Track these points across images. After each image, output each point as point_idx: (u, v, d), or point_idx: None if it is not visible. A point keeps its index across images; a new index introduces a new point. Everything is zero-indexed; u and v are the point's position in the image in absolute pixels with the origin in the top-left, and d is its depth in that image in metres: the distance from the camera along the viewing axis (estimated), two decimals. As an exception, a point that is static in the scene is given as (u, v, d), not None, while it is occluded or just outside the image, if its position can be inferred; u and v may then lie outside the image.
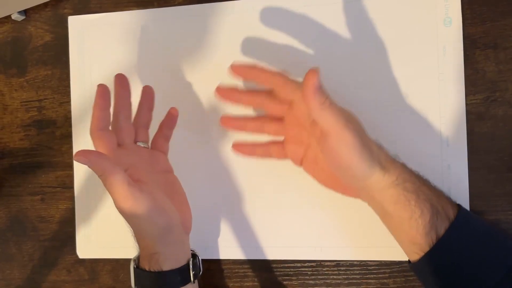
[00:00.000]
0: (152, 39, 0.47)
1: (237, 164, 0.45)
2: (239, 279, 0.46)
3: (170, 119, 0.43)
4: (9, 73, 0.51)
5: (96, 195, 0.48)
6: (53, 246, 0.49)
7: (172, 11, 0.47)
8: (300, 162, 0.41)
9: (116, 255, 0.48)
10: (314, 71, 0.33)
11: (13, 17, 0.49)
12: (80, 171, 0.48)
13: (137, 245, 0.39)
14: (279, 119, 0.41)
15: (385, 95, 0.42)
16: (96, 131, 0.37)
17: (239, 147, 0.44)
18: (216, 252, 0.45)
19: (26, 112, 0.50)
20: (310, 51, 0.44)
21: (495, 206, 0.41)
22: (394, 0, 0.42)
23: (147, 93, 0.43)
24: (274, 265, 0.45)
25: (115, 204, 0.35)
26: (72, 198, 0.49)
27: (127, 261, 0.41)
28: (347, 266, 0.44)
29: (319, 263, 0.44)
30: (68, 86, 0.49)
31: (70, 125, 0.49)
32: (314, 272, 0.44)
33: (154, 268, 0.38)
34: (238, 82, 0.43)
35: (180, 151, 0.45)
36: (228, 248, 0.45)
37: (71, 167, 0.49)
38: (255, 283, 0.45)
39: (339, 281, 0.44)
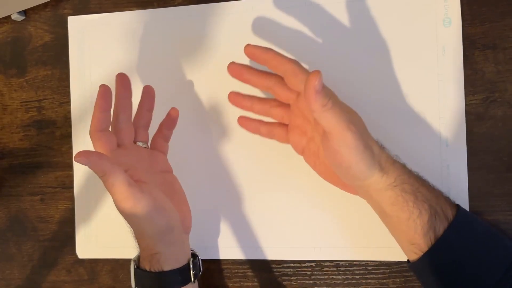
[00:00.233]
0: (152, 39, 0.47)
1: (237, 164, 0.45)
2: (238, 279, 0.46)
3: (170, 120, 0.43)
4: (8, 73, 0.51)
5: (95, 196, 0.48)
6: (52, 246, 0.49)
7: (172, 11, 0.47)
8: (302, 152, 0.41)
9: (116, 255, 0.48)
10: (316, 73, 0.32)
11: (13, 17, 0.49)
12: (79, 171, 0.48)
13: (137, 245, 0.39)
14: (287, 105, 0.41)
15: (384, 95, 0.42)
16: (96, 132, 0.37)
17: (245, 121, 0.43)
18: (215, 252, 0.45)
19: (26, 112, 0.50)
20: (309, 50, 0.44)
21: (494, 206, 0.41)
22: (394, 0, 0.42)
23: (148, 93, 0.43)
24: (273, 265, 0.45)
25: (116, 205, 0.35)
26: (71, 198, 0.49)
27: (127, 261, 0.41)
28: (346, 266, 0.44)
29: (319, 263, 0.44)
30: (68, 86, 0.49)
31: (69, 125, 0.49)
32: (313, 272, 0.44)
33: (155, 268, 0.38)
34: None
35: (180, 151, 0.45)
36: (228, 248, 0.45)
37: (70, 167, 0.49)
38: (255, 283, 0.45)
39: (338, 281, 0.44)
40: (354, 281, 0.43)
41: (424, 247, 0.34)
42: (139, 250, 0.39)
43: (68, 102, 0.49)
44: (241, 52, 0.40)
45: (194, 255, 0.41)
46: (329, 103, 0.33)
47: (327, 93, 0.33)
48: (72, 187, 0.48)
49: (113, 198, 0.35)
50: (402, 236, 0.36)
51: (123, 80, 0.40)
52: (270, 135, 0.42)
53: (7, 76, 0.51)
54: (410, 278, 0.42)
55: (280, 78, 0.40)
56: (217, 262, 0.46)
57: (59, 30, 0.49)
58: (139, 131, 0.42)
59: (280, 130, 0.42)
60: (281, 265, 0.45)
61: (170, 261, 0.38)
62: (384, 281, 0.43)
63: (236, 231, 0.45)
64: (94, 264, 0.49)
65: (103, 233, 0.48)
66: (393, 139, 0.41)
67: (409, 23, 0.42)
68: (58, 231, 0.49)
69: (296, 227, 0.44)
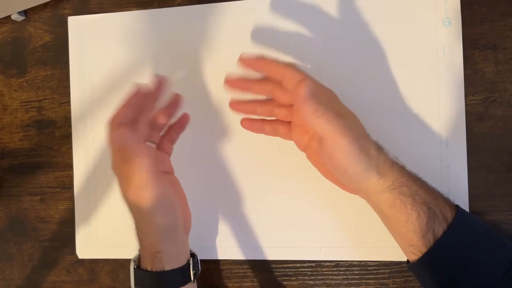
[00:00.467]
0: (152, 39, 0.47)
1: (237, 164, 0.45)
2: (238, 280, 0.46)
3: (181, 124, 0.43)
4: (8, 74, 0.51)
5: (95, 196, 0.48)
6: (52, 246, 0.49)
7: (172, 11, 0.47)
8: (304, 149, 0.41)
9: (116, 255, 0.48)
10: (302, 83, 0.32)
11: (13, 17, 0.49)
12: (79, 171, 0.48)
13: (139, 244, 0.39)
14: (289, 105, 0.41)
15: (384, 96, 0.42)
16: (116, 125, 0.36)
17: (248, 123, 0.43)
18: (215, 252, 0.45)
19: (26, 112, 0.50)
20: (309, 51, 0.44)
21: (494, 206, 0.41)
22: (394, 0, 0.42)
23: (176, 102, 0.42)
24: (273, 266, 0.45)
25: (129, 193, 0.35)
26: (71, 199, 0.49)
27: (127, 261, 0.41)
28: (346, 266, 0.44)
29: (319, 264, 0.44)
30: (67, 86, 0.49)
31: (69, 126, 0.49)
32: (313, 273, 0.44)
33: (157, 267, 0.38)
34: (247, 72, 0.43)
35: (180, 152, 0.45)
36: (228, 248, 0.45)
37: (70, 167, 0.49)
38: (255, 284, 0.45)
39: (338, 282, 0.44)
40: (354, 281, 0.43)
41: (423, 249, 0.34)
42: (140, 249, 0.39)
43: (68, 102, 0.49)
44: (241, 52, 0.40)
45: (192, 255, 0.41)
46: (320, 109, 0.33)
47: (319, 99, 0.32)
48: (72, 187, 0.48)
49: (130, 184, 0.35)
50: (401, 237, 0.36)
51: (161, 83, 0.39)
52: (274, 133, 0.42)
53: (7, 76, 0.51)
54: (410, 278, 0.42)
55: (278, 82, 0.40)
56: (217, 262, 0.46)
57: (59, 30, 0.49)
58: (152, 133, 0.41)
59: (283, 127, 0.42)
60: (281, 265, 0.45)
61: (172, 261, 0.38)
62: (384, 281, 0.43)
63: (236, 231, 0.45)
64: (94, 264, 0.49)
65: (103, 233, 0.48)
66: (393, 139, 0.41)
67: (409, 23, 0.42)
68: (58, 231, 0.49)
69: (296, 227, 0.44)
